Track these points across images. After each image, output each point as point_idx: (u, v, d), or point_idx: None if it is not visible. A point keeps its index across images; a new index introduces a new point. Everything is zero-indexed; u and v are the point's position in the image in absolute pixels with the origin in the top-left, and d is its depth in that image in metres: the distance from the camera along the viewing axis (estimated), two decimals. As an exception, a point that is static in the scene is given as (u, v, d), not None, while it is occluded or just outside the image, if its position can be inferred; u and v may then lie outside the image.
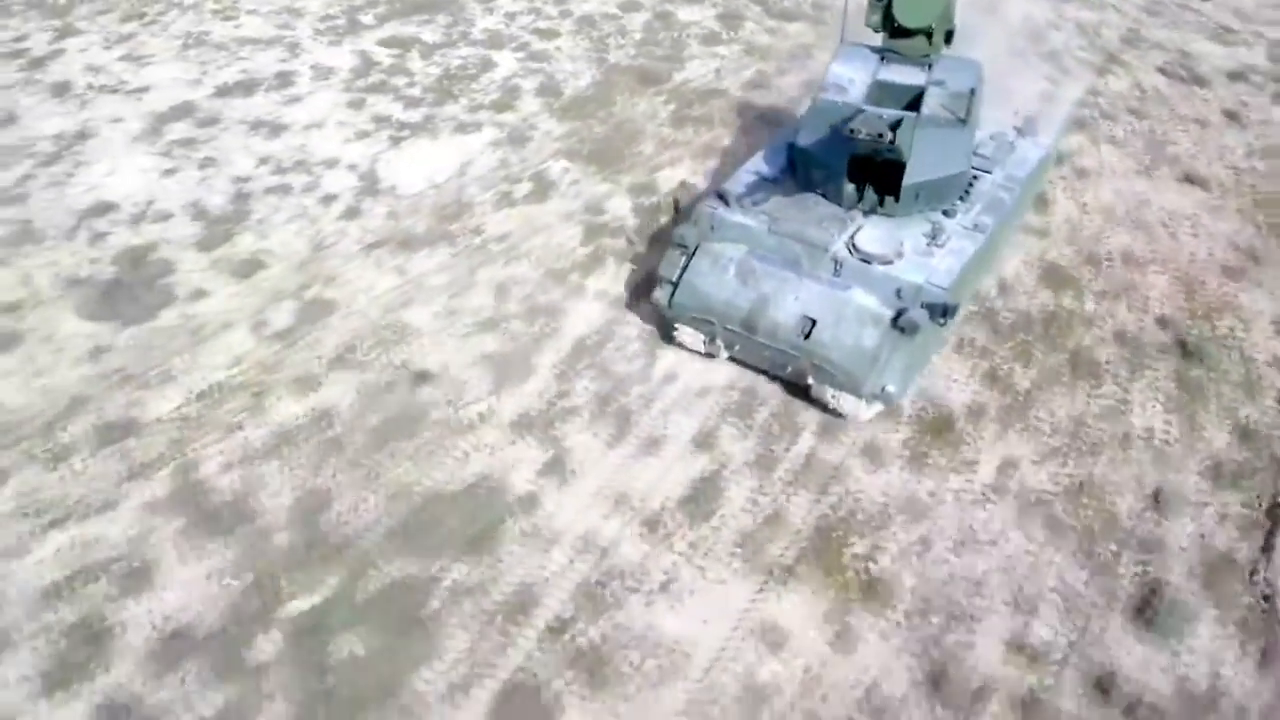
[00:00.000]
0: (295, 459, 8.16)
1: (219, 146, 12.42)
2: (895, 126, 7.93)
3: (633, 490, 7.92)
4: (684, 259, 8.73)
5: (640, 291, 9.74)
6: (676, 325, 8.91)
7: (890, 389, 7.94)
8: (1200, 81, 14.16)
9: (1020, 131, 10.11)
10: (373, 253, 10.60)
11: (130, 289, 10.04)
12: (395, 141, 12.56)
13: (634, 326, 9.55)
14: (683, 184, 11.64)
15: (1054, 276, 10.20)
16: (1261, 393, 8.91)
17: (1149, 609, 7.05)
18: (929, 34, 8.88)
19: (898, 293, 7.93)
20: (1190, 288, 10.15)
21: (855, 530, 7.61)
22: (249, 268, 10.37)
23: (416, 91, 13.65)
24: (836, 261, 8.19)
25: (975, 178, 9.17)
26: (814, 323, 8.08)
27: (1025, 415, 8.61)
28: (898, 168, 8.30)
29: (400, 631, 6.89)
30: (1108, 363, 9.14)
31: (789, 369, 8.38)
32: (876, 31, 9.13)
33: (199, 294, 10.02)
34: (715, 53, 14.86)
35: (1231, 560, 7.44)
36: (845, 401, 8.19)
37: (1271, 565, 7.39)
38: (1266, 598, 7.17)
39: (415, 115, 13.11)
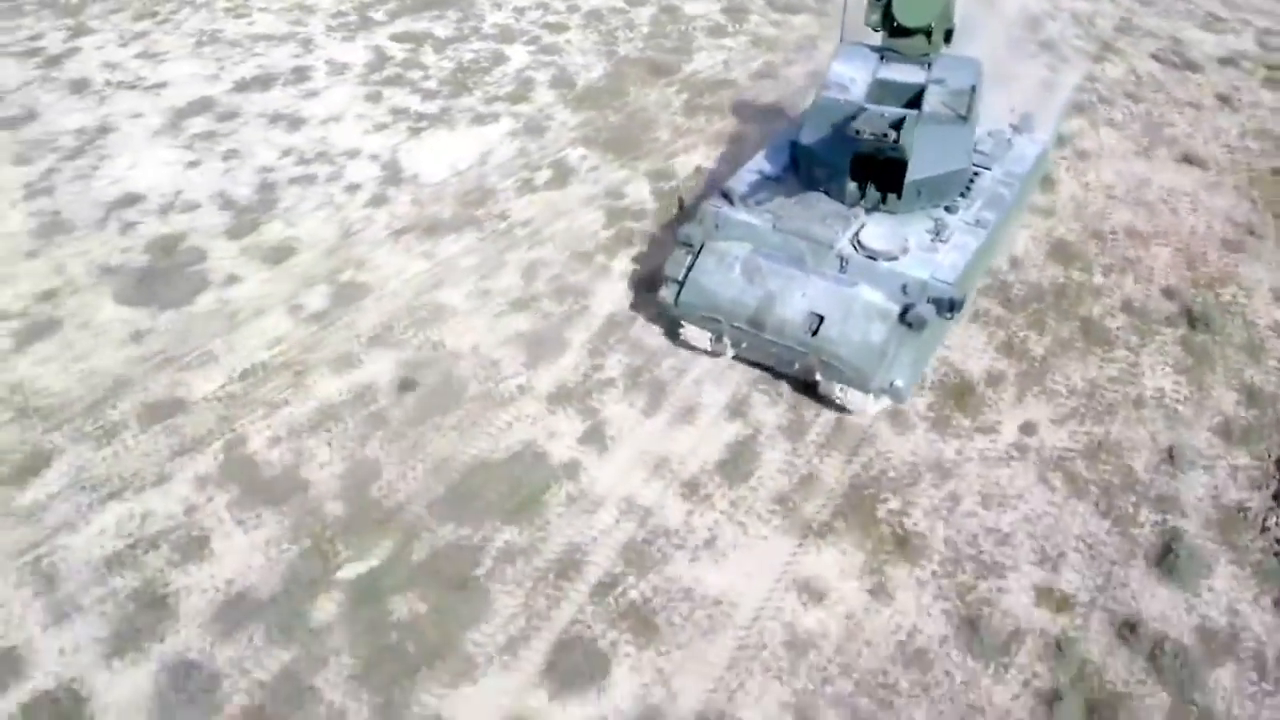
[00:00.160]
0: (341, 433, 8.41)
1: (241, 139, 12.64)
2: (897, 125, 7.91)
3: (671, 455, 8.21)
4: (689, 258, 8.70)
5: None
6: (683, 324, 8.89)
7: (898, 384, 7.94)
8: (1193, 67, 14.63)
9: (1017, 129, 10.17)
10: (401, 238, 10.85)
11: (165, 275, 10.25)
12: (414, 132, 12.81)
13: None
14: (698, 169, 11.96)
15: (1062, 251, 10.58)
16: (1265, 356, 9.31)
17: (1169, 557, 7.41)
18: (928, 33, 9.00)
19: (904, 288, 7.94)
20: (1192, 260, 10.57)
21: (887, 488, 7.94)
22: (279, 254, 10.60)
23: (432, 84, 13.90)
24: (842, 258, 8.18)
25: (976, 174, 9.16)
26: (821, 319, 8.05)
27: (1042, 380, 8.96)
28: (900, 165, 8.30)
29: (455, 591, 7.14)
30: (1118, 329, 9.53)
31: (796, 366, 8.38)
32: (876, 30, 9.23)
33: (232, 279, 10.24)
34: (722, 45, 15.20)
35: (1245, 511, 7.82)
36: (853, 397, 8.24)
37: (1283, 515, 7.78)
38: (1280, 544, 7.55)
39: (432, 107, 13.36)
